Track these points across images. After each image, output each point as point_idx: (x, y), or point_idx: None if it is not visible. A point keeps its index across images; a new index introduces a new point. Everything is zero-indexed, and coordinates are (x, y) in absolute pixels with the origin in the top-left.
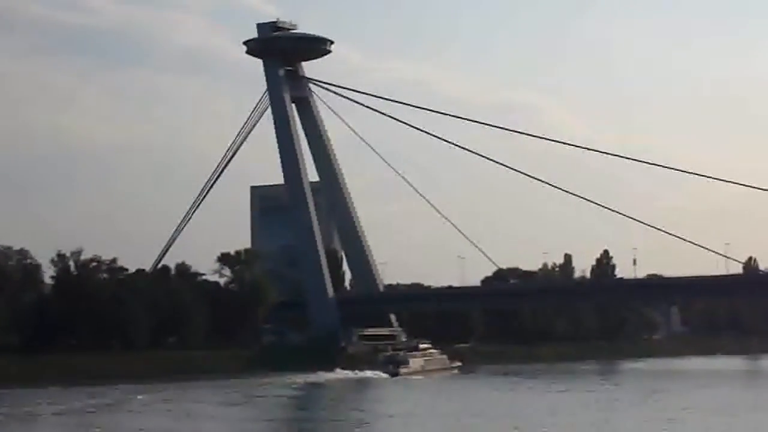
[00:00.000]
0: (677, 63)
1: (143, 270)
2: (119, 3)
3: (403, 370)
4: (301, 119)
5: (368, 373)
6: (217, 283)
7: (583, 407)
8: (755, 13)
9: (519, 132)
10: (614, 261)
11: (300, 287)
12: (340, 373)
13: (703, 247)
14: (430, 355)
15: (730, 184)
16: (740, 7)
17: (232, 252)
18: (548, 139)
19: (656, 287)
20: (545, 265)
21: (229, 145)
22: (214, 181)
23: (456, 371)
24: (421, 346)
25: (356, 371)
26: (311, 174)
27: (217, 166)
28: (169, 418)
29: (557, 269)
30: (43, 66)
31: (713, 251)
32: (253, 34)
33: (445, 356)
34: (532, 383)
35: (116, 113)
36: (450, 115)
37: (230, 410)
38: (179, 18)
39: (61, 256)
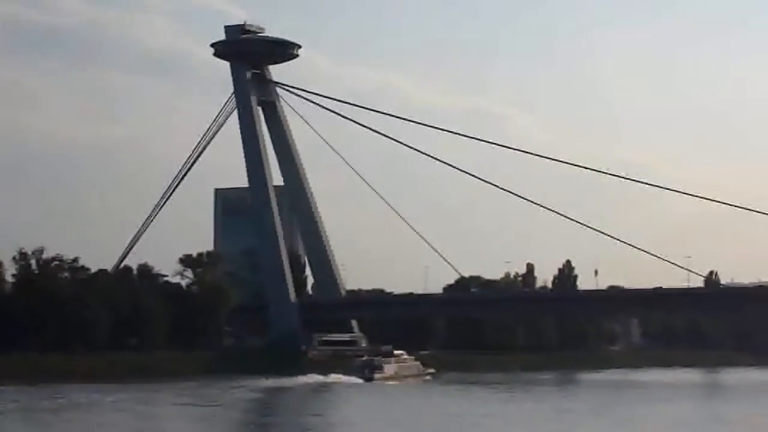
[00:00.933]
0: (646, 75)
1: (105, 270)
2: (86, 3)
3: (377, 376)
4: (267, 122)
5: (341, 378)
6: (179, 285)
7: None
8: (730, 28)
9: (484, 141)
10: (576, 272)
11: (262, 291)
12: (311, 377)
13: (664, 259)
14: (404, 361)
15: (693, 197)
16: (717, 21)
17: (195, 254)
18: (513, 149)
19: (617, 299)
20: (507, 274)
21: (194, 146)
22: (178, 183)
23: (429, 378)
24: (396, 352)
25: (328, 375)
26: (276, 178)
27: (182, 168)
28: (126, 419)
29: (519, 278)
30: (8, 65)
31: (675, 264)
32: (221, 36)
33: (418, 363)
34: (497, 390)
35: (81, 113)
36: (416, 122)
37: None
38: (146, 19)
39: (22, 255)
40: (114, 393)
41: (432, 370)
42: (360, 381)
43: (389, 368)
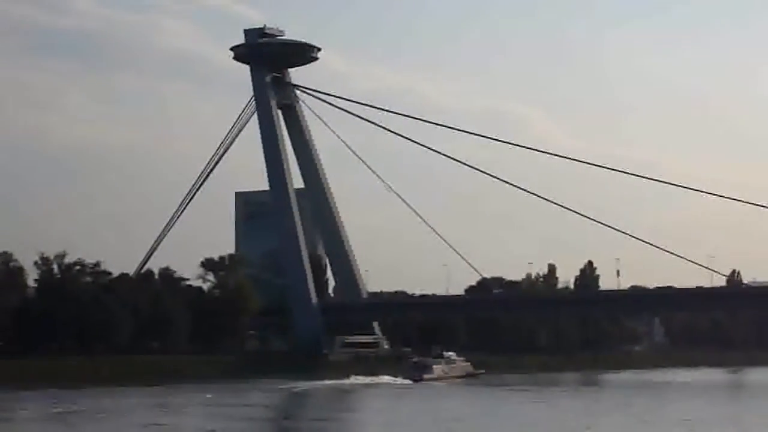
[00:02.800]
0: (665, 74)
1: (127, 274)
2: (103, 6)
3: (426, 376)
4: (287, 125)
5: (386, 378)
6: (200, 289)
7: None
8: (745, 27)
9: (505, 142)
10: (598, 272)
11: (284, 294)
12: (355, 379)
13: (686, 259)
14: (453, 362)
15: (714, 196)
16: (734, 19)
17: (216, 257)
18: (534, 150)
19: (639, 299)
20: (529, 275)
21: (214, 150)
22: (199, 186)
23: (479, 379)
24: (445, 354)
25: (373, 376)
26: (296, 180)
27: (203, 171)
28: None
29: (541, 279)
30: (27, 68)
31: (697, 263)
32: (239, 39)
33: (468, 364)
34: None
35: (100, 116)
36: (436, 123)
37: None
38: (164, 22)
39: (44, 259)
40: (134, 396)
41: (482, 371)
42: (409, 382)
43: (438, 369)
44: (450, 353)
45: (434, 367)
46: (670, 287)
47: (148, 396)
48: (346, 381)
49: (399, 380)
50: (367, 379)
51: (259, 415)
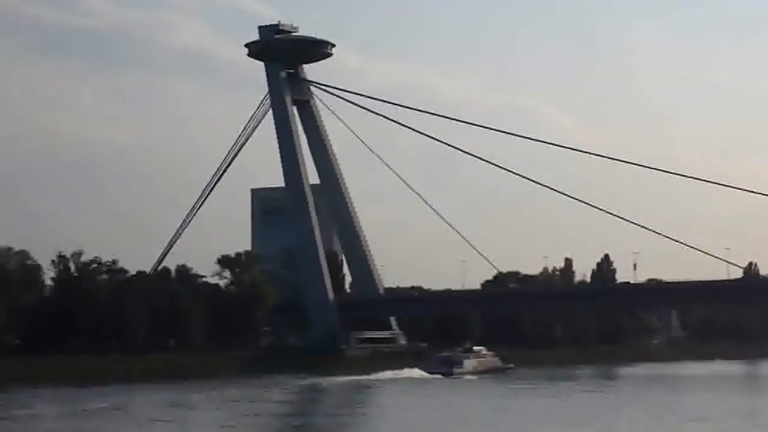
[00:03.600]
0: (680, 66)
1: (144, 272)
2: (114, 4)
3: (456, 371)
4: (302, 122)
5: (416, 373)
6: (217, 286)
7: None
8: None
9: (521, 135)
10: (615, 265)
11: (300, 290)
12: (385, 374)
13: (703, 251)
14: (483, 357)
15: (731, 188)
16: (755, 14)
17: (232, 254)
18: (550, 143)
19: (656, 292)
20: (546, 269)
21: (230, 147)
22: (215, 183)
23: (507, 372)
24: (475, 348)
25: (402, 371)
26: (312, 177)
27: (218, 168)
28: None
29: (558, 273)
30: (40, 67)
31: (714, 256)
32: (253, 36)
33: (497, 358)
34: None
35: (113, 115)
36: (451, 118)
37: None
38: (176, 19)
39: (61, 258)
40: (150, 394)
41: (511, 365)
42: (439, 376)
43: (468, 363)
44: (480, 348)
45: (464, 361)
46: (687, 281)
47: (164, 393)
48: (374, 376)
49: (429, 375)
50: (397, 374)
51: (298, 410)
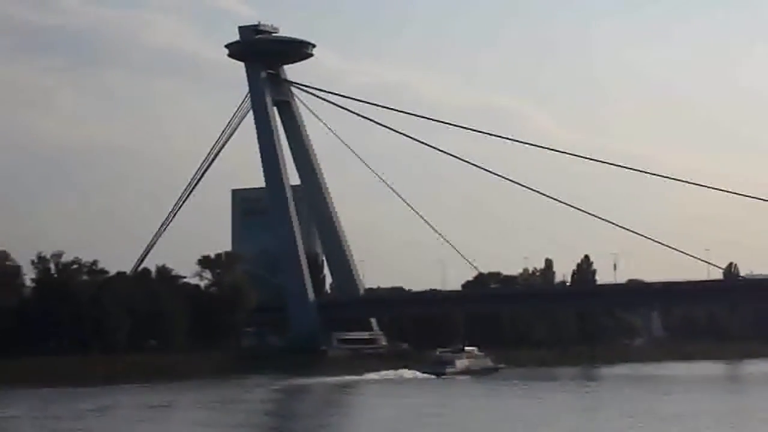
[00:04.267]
0: (660, 69)
1: (124, 272)
2: (95, 4)
3: (448, 371)
4: (282, 122)
5: (408, 373)
6: (197, 286)
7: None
8: (739, 21)
9: (501, 136)
10: (595, 266)
11: (281, 290)
12: (376, 374)
13: (683, 252)
14: (475, 357)
15: (710, 189)
16: (723, 14)
17: (213, 255)
18: (529, 144)
19: (637, 293)
20: (526, 269)
21: (210, 147)
22: (195, 184)
23: (499, 372)
24: (467, 348)
25: (394, 371)
26: (293, 177)
27: (199, 169)
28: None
29: (538, 274)
30: (18, 67)
31: (694, 256)
32: (233, 36)
33: (489, 359)
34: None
35: (93, 114)
36: (431, 118)
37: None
38: (157, 19)
39: (41, 259)
40: (130, 395)
41: (502, 365)
42: (431, 376)
43: (460, 363)
44: (471, 348)
45: (456, 361)
46: (667, 281)
47: (144, 394)
48: (366, 376)
49: (421, 375)
50: (389, 374)
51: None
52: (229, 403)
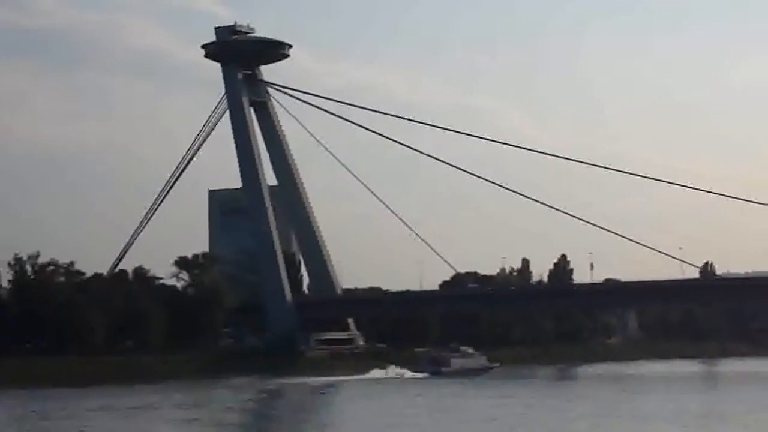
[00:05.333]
0: (635, 68)
1: (101, 274)
2: (70, 5)
3: (444, 370)
4: (259, 123)
5: (407, 373)
6: (174, 287)
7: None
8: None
9: (477, 136)
10: (572, 265)
11: (258, 291)
12: (374, 373)
13: (659, 251)
14: (470, 356)
15: (687, 188)
16: (702, 14)
17: (190, 256)
18: (506, 144)
19: (613, 292)
20: (503, 269)
21: (187, 148)
22: (172, 185)
23: (494, 371)
24: (462, 348)
25: (389, 370)
26: (269, 178)
27: (175, 169)
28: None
29: (515, 273)
30: None
31: (670, 255)
32: (209, 36)
33: (484, 358)
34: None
35: (69, 116)
36: (408, 119)
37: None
38: (133, 20)
39: (18, 260)
40: (106, 397)
41: (497, 364)
42: (422, 375)
43: (455, 363)
44: (466, 348)
45: (452, 360)
46: (643, 280)
47: (121, 396)
48: (360, 376)
49: (417, 374)
50: (384, 373)
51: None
52: (225, 407)
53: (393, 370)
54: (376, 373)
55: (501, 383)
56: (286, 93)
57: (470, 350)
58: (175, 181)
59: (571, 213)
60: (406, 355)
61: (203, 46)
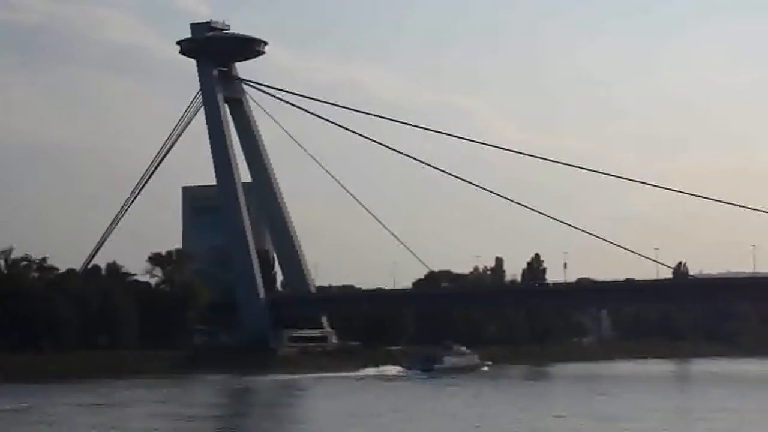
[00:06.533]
0: (609, 68)
1: (74, 270)
2: (46, 0)
3: (436, 367)
4: (234, 120)
5: (395, 370)
6: (148, 284)
7: None
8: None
9: (453, 135)
10: (545, 265)
11: (231, 288)
12: (366, 371)
13: (633, 251)
14: (462, 354)
15: (660, 189)
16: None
17: (164, 252)
18: (480, 143)
19: (586, 291)
20: (477, 268)
21: (161, 144)
22: (146, 181)
23: (486, 369)
24: (455, 347)
25: (382, 367)
26: (244, 175)
27: (149, 166)
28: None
29: (489, 272)
30: None
31: (643, 256)
32: (185, 33)
33: (476, 356)
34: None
35: (44, 111)
36: (384, 117)
37: None
38: (109, 16)
39: None
40: (80, 393)
41: (489, 363)
42: (419, 372)
43: (448, 361)
44: (459, 346)
45: (444, 358)
46: (617, 280)
47: (93, 392)
48: (357, 372)
49: (410, 372)
50: (380, 371)
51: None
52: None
53: (388, 368)
54: (369, 370)
55: (483, 382)
56: (261, 90)
57: (463, 349)
58: (149, 178)
59: (545, 213)
60: (379, 353)
61: (178, 43)
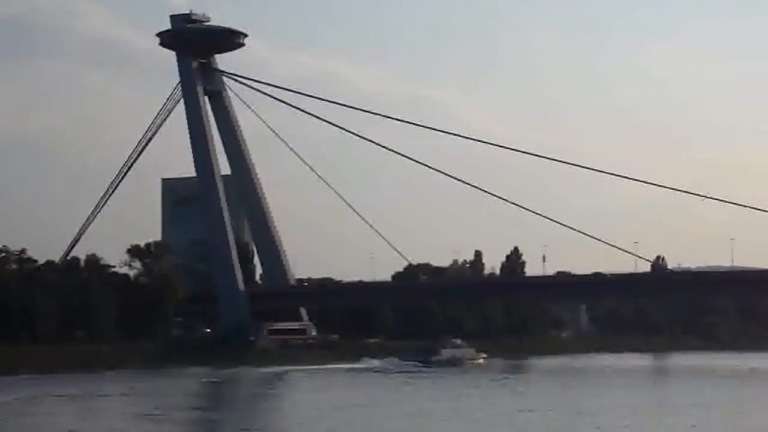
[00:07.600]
0: (590, 63)
1: (53, 262)
2: None
3: (433, 359)
4: (214, 112)
5: (401, 362)
6: (127, 276)
7: None
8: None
9: (432, 128)
10: (524, 258)
11: (210, 281)
12: (364, 362)
13: (611, 245)
14: (459, 347)
15: (639, 182)
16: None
17: (142, 244)
18: (460, 136)
19: (565, 285)
20: (456, 261)
21: (141, 136)
22: (125, 173)
23: (482, 361)
24: (452, 340)
25: (363, 359)
26: (223, 167)
27: (129, 157)
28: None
29: (468, 265)
30: None
31: (622, 249)
32: (164, 25)
33: (473, 349)
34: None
35: (22, 102)
36: (363, 109)
37: None
38: (87, 7)
39: None
40: (54, 385)
41: (485, 355)
42: (416, 364)
43: (445, 353)
44: (456, 339)
45: (442, 350)
46: (595, 274)
47: (71, 384)
48: (358, 364)
49: (407, 363)
50: (387, 361)
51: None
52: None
53: (385, 360)
54: (366, 361)
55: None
56: (241, 82)
57: (459, 341)
58: (128, 170)
59: (524, 206)
60: (358, 346)
61: (158, 35)
